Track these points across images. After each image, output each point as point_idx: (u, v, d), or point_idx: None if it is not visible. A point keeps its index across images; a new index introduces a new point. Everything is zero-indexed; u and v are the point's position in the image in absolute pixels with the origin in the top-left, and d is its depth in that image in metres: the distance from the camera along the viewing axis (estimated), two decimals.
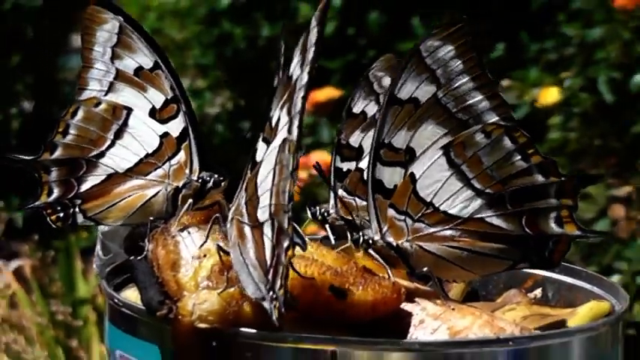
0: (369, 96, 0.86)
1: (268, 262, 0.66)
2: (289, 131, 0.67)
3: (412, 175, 0.75)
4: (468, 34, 0.74)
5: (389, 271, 0.73)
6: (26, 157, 0.83)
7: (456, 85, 0.74)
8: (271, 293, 0.66)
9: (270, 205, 0.67)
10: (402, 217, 0.75)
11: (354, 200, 0.84)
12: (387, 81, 0.86)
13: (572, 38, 2.16)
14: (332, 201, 0.83)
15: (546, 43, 2.29)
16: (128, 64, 0.83)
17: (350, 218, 0.79)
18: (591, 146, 1.80)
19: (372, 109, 0.85)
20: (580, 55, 2.09)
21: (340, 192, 0.83)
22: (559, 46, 2.23)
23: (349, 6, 2.64)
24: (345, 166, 0.84)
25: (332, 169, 0.85)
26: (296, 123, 0.67)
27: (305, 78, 0.67)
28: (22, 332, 2.36)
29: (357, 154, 0.84)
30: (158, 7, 2.96)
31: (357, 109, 0.86)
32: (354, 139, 0.84)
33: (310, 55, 0.68)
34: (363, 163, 0.83)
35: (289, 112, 0.68)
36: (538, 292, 0.79)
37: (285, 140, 0.68)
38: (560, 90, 2.08)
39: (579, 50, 2.10)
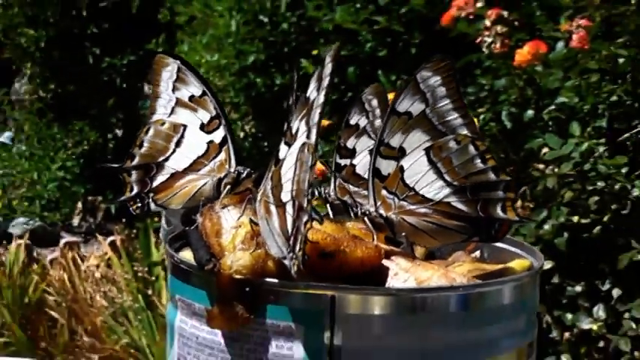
0: (361, 112, 1.02)
1: (289, 231, 0.82)
2: (308, 137, 0.84)
3: (401, 167, 0.92)
4: (451, 69, 0.92)
5: (374, 236, 0.91)
6: (115, 166, 1.03)
7: (440, 105, 0.92)
8: (291, 254, 0.81)
9: (292, 190, 0.83)
10: (391, 197, 0.93)
11: (348, 186, 1.00)
12: (375, 102, 1.03)
13: (485, 85, 2.61)
14: (332, 186, 1.00)
15: (468, 88, 2.66)
16: (184, 93, 1.03)
17: (345, 199, 0.95)
18: (498, 159, 2.10)
19: (363, 121, 1.02)
20: (490, 97, 2.48)
21: (338, 180, 0.99)
22: (477, 91, 2.61)
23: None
24: (343, 162, 1.00)
25: (333, 163, 1.01)
26: (314, 131, 0.84)
27: (321, 99, 0.84)
28: (115, 285, 2.87)
29: (351, 153, 1.00)
30: (206, 64, 3.30)
31: (352, 121, 1.02)
32: (350, 143, 1.01)
33: (325, 82, 0.84)
34: (356, 160, 1.00)
35: (307, 123, 0.84)
36: (477, 253, 0.95)
37: (304, 144, 0.84)
38: (477, 120, 2.42)
39: (489, 94, 2.50)
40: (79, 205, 3.55)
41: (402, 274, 0.88)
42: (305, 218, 0.82)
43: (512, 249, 0.98)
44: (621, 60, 2.27)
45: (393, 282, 0.88)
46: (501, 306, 0.88)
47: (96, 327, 2.93)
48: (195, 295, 0.88)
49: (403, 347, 0.83)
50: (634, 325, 2.22)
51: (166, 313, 0.94)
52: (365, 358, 0.83)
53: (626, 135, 2.24)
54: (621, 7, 2.35)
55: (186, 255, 0.92)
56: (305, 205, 0.82)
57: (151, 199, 1.05)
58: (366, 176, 0.96)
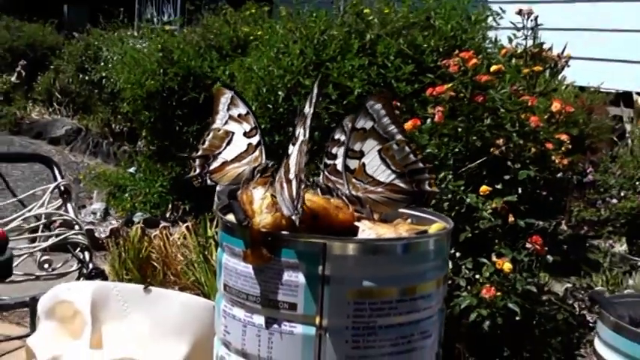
0: (342, 132, 0.89)
1: (294, 196, 0.70)
2: (304, 136, 0.72)
3: (363, 163, 0.80)
4: (388, 98, 0.81)
5: (350, 207, 0.76)
6: (186, 155, 0.89)
7: (382, 121, 0.80)
8: (295, 211, 0.70)
9: (296, 170, 0.71)
10: (359, 182, 0.80)
11: (332, 176, 0.86)
12: (350, 125, 0.89)
13: None
14: (321, 177, 0.86)
15: None
16: (235, 112, 0.90)
17: (329, 185, 0.83)
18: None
19: (342, 137, 0.88)
20: None
21: (325, 173, 0.86)
22: None
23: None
24: (329, 162, 0.86)
25: (323, 163, 0.87)
26: (307, 132, 0.72)
27: (311, 111, 0.73)
28: (187, 248, 2.70)
29: (334, 157, 0.86)
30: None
31: (336, 137, 0.88)
32: (334, 150, 0.87)
33: (313, 100, 0.72)
34: (337, 161, 0.86)
35: (303, 127, 0.72)
36: (410, 220, 0.82)
37: (302, 141, 0.72)
38: None
39: None
40: (170, 206, 3.38)
41: (367, 230, 0.76)
42: (303, 186, 0.73)
43: (432, 217, 0.83)
44: (459, 129, 2.10)
45: (362, 235, 0.76)
46: (428, 251, 0.76)
47: (177, 271, 2.86)
48: (236, 242, 0.76)
49: (367, 275, 0.72)
50: (467, 272, 2.02)
51: (217, 255, 0.79)
52: (344, 282, 0.72)
53: (463, 169, 2.06)
54: (457, 102, 2.18)
55: (231, 217, 0.79)
56: (303, 178, 0.74)
57: (207, 177, 0.90)
58: (369, 172, 0.83)
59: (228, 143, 0.89)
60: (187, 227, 2.89)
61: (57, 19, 6.51)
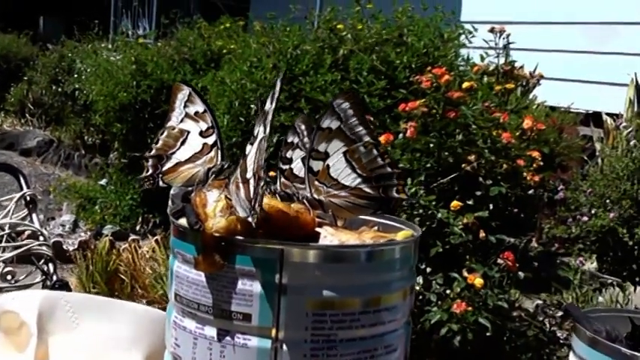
0: (294, 134, 0.83)
1: (251, 196, 0.64)
2: (264, 132, 0.66)
3: (328, 165, 0.73)
4: (356, 97, 0.74)
5: (311, 211, 0.70)
6: (139, 154, 0.83)
7: (350, 122, 0.72)
8: (252, 212, 0.64)
9: (254, 168, 0.66)
10: (322, 185, 0.73)
11: (289, 182, 0.80)
12: (303, 127, 0.83)
13: None
14: (279, 183, 0.79)
15: None
16: (191, 109, 0.83)
17: (287, 191, 0.76)
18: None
19: (295, 140, 0.82)
20: None
21: (282, 179, 0.80)
22: None
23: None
24: (284, 166, 0.80)
25: (278, 168, 0.81)
26: (268, 127, 0.66)
27: (273, 106, 0.67)
28: (156, 261, 2.66)
29: (290, 161, 0.80)
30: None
31: (290, 140, 0.82)
32: (288, 155, 0.81)
33: (276, 95, 0.67)
34: (293, 165, 0.80)
35: (263, 124, 0.66)
36: (376, 227, 0.75)
37: (262, 137, 0.66)
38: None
39: None
40: (139, 219, 3.31)
41: (329, 236, 0.69)
42: (262, 183, 0.66)
43: (398, 225, 0.76)
44: (431, 145, 2.07)
45: (323, 242, 0.69)
46: (394, 259, 0.69)
47: (145, 284, 2.82)
48: (187, 248, 0.69)
49: (328, 284, 0.65)
50: (438, 287, 1.99)
51: (169, 262, 0.72)
52: (302, 292, 0.65)
53: (435, 184, 2.03)
54: (429, 118, 2.15)
55: (183, 222, 0.71)
56: (262, 175, 0.66)
57: (160, 178, 0.83)
58: (333, 175, 0.75)
59: (183, 143, 0.82)
60: (156, 240, 2.83)
61: (32, 31, 6.41)
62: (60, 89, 4.84)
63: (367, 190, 0.72)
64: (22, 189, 1.97)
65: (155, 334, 0.84)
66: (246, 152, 0.67)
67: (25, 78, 5.39)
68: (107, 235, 3.00)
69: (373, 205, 0.72)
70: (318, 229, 0.68)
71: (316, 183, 0.72)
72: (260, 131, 0.66)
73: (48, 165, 4.67)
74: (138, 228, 3.31)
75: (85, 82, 3.99)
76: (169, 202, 0.76)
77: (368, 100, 2.39)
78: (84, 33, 5.07)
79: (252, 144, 0.67)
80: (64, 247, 3.20)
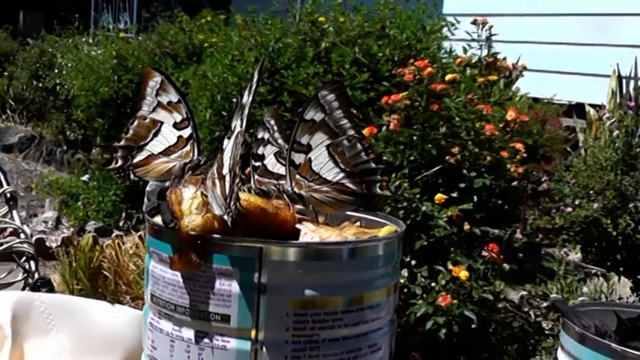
0: (264, 129, 0.80)
1: (227, 193, 0.62)
2: (241, 126, 0.63)
3: (310, 158, 0.71)
4: (342, 88, 0.71)
5: (291, 207, 0.67)
6: (107, 144, 0.78)
7: (334, 114, 0.70)
8: (228, 210, 0.62)
9: (230, 164, 0.63)
10: (303, 179, 0.71)
11: (263, 178, 0.77)
12: (272, 122, 0.81)
13: None
14: (252, 182, 0.76)
15: None
16: (164, 99, 0.78)
17: (263, 188, 0.74)
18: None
19: (266, 136, 0.80)
20: None
21: (256, 177, 0.77)
22: None
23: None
24: (257, 163, 0.78)
25: (251, 166, 0.78)
26: (244, 121, 0.64)
27: (250, 98, 0.65)
28: (140, 257, 2.59)
29: (262, 157, 0.78)
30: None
31: (260, 136, 0.80)
32: (260, 151, 0.79)
33: (253, 87, 0.64)
34: (266, 161, 0.78)
35: (240, 117, 0.64)
36: (358, 223, 0.73)
37: (238, 132, 0.63)
38: None
39: None
40: (123, 214, 3.27)
41: (310, 233, 0.67)
42: (237, 180, 0.63)
43: (381, 220, 0.74)
44: (415, 137, 2.05)
45: (304, 239, 0.67)
46: (377, 256, 0.66)
47: (129, 281, 2.80)
48: (162, 247, 0.67)
49: (309, 283, 0.63)
50: (423, 280, 1.96)
51: (145, 262, 0.69)
52: (283, 291, 0.63)
53: (419, 177, 2.01)
54: (412, 110, 2.13)
55: (158, 220, 0.69)
56: (238, 171, 0.64)
57: (131, 171, 0.79)
58: (315, 169, 0.72)
59: (155, 134, 0.77)
60: (140, 236, 2.79)
61: (12, 26, 6.31)
62: (41, 84, 4.77)
63: (350, 185, 0.69)
64: (1, 186, 1.93)
65: (133, 335, 0.81)
66: (223, 147, 0.64)
67: (6, 73, 5.30)
68: (90, 232, 2.96)
69: (356, 202, 0.70)
70: (298, 226, 0.65)
71: (297, 177, 0.70)
72: (237, 125, 0.63)
73: (30, 161, 4.60)
74: (121, 224, 3.27)
75: (66, 77, 3.93)
76: (145, 199, 0.73)
77: (351, 93, 2.36)
78: (64, 28, 5.00)
79: (229, 138, 0.64)
80: (47, 243, 3.16)
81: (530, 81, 2.55)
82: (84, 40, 4.50)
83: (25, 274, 1.77)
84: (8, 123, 5.07)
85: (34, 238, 3.20)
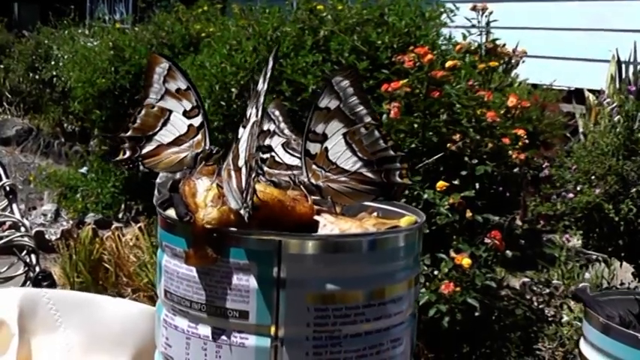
0: (269, 121, 0.77)
1: (243, 187, 0.59)
2: (256, 115, 0.60)
3: (326, 148, 0.67)
4: (357, 74, 0.68)
5: (309, 198, 0.65)
6: (112, 135, 0.74)
7: (350, 101, 0.66)
8: (245, 204, 0.58)
9: (246, 155, 0.60)
10: (320, 170, 0.67)
11: (274, 171, 0.74)
12: (277, 113, 0.78)
13: None
14: (262, 172, 0.73)
15: None
16: (172, 86, 0.74)
17: (274, 179, 0.70)
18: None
19: (272, 127, 0.77)
20: None
21: (265, 169, 0.73)
22: None
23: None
24: (265, 155, 0.74)
25: (260, 159, 0.75)
26: (260, 110, 0.61)
27: (265, 86, 0.61)
28: (140, 249, 2.59)
29: (269, 149, 0.75)
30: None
31: (265, 128, 0.76)
32: (266, 142, 0.75)
33: (268, 74, 0.61)
34: (274, 152, 0.74)
35: (255, 106, 0.60)
36: (375, 213, 0.69)
37: (254, 122, 0.60)
38: None
39: None
40: (122, 206, 3.24)
41: (329, 225, 0.63)
42: (254, 175, 0.59)
43: (399, 210, 0.71)
44: (416, 125, 2.02)
45: (323, 231, 0.63)
46: (398, 248, 0.63)
47: (130, 272, 2.75)
48: (176, 241, 0.63)
49: (329, 277, 0.59)
50: (425, 268, 1.92)
51: (157, 256, 0.66)
52: (303, 286, 0.59)
53: (420, 165, 1.99)
54: (412, 98, 2.10)
55: (171, 213, 0.65)
56: (254, 165, 0.60)
57: (140, 162, 0.74)
58: (332, 159, 0.68)
59: (165, 123, 0.73)
60: (140, 228, 2.77)
61: (7, 18, 6.25)
62: (37, 77, 4.72)
63: (368, 174, 0.66)
64: (0, 179, 1.90)
65: (144, 331, 0.78)
66: (239, 136, 0.61)
67: (2, 66, 5.25)
68: (90, 224, 2.94)
69: (375, 191, 0.66)
70: (316, 218, 0.62)
71: (314, 167, 0.66)
72: (252, 114, 0.60)
73: (28, 154, 4.56)
74: (121, 215, 3.24)
75: (62, 69, 3.89)
76: (155, 192, 0.69)
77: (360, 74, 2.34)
78: (60, 19, 4.95)
79: (244, 127, 0.61)
80: (47, 236, 3.13)
81: (530, 67, 2.52)
82: (80, 31, 4.45)
83: (26, 268, 1.75)
84: (5, 116, 5.02)
85: (33, 231, 3.17)
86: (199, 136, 0.73)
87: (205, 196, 0.61)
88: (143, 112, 0.73)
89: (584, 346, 0.72)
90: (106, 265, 2.74)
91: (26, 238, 1.80)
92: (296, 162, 0.71)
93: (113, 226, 2.93)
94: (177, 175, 0.71)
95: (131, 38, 3.29)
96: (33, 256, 1.80)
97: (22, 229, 1.81)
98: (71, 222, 3.20)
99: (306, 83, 2.40)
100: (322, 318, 0.58)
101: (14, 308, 0.78)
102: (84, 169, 3.53)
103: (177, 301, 0.62)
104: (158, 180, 0.71)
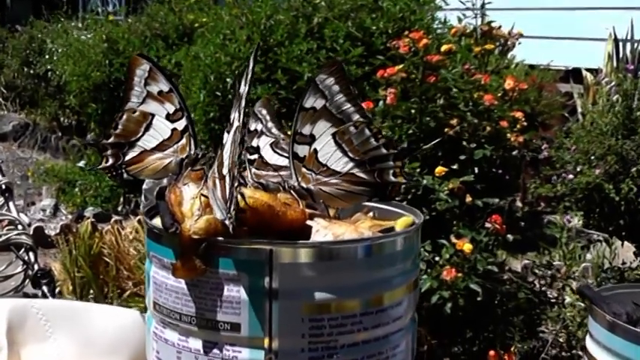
0: (256, 120, 0.74)
1: (227, 197, 0.56)
2: (238, 120, 0.57)
3: (315, 149, 0.64)
4: (341, 69, 0.63)
5: (300, 202, 0.61)
6: (93, 142, 0.71)
7: (336, 99, 0.63)
8: (228, 215, 0.55)
9: (229, 163, 0.57)
10: (310, 172, 0.64)
11: (262, 172, 0.70)
12: (264, 112, 0.74)
13: None
14: (250, 175, 0.69)
15: None
16: (154, 88, 0.70)
17: (261, 181, 0.66)
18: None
19: (259, 127, 0.73)
20: None
21: (253, 170, 0.70)
22: None
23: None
24: (252, 157, 0.71)
25: (246, 160, 0.71)
26: (242, 114, 0.57)
27: (246, 89, 0.58)
28: (140, 242, 2.55)
29: (257, 150, 0.71)
30: None
31: (252, 128, 0.73)
32: (254, 143, 0.72)
33: (249, 75, 0.58)
34: (262, 153, 0.71)
35: (237, 110, 0.57)
36: (371, 214, 0.66)
37: (236, 127, 0.57)
38: None
39: None
40: (121, 199, 3.22)
41: (322, 230, 0.60)
42: (236, 184, 0.56)
43: (396, 209, 0.68)
44: (413, 111, 2.00)
45: (316, 237, 0.59)
46: (395, 252, 0.60)
47: (130, 266, 2.73)
48: (164, 252, 0.60)
49: (324, 286, 0.56)
50: (427, 254, 1.92)
51: (145, 265, 0.63)
52: (297, 296, 0.56)
53: (418, 151, 1.96)
54: (409, 83, 2.07)
55: (158, 222, 0.62)
56: (236, 174, 0.57)
57: (123, 170, 0.71)
58: (322, 160, 0.65)
59: (147, 128, 0.69)
60: (139, 220, 2.74)
61: None
62: (32, 71, 4.67)
63: (361, 174, 0.62)
64: None
65: (138, 339, 0.75)
66: (224, 142, 0.58)
67: None
68: (89, 218, 2.91)
69: (368, 192, 0.63)
70: (309, 223, 0.59)
71: (303, 170, 0.63)
72: (235, 118, 0.57)
73: (25, 149, 4.52)
74: (120, 208, 3.22)
75: (56, 62, 3.85)
76: (142, 198, 0.66)
77: (345, 68, 2.31)
78: (52, 12, 4.89)
79: (228, 132, 0.58)
80: (46, 232, 3.10)
81: (526, 48, 2.49)
82: (73, 24, 4.40)
83: (25, 266, 1.72)
84: (1, 111, 4.98)
85: (32, 227, 3.15)
86: (184, 140, 0.69)
87: (192, 205, 0.58)
88: (125, 117, 0.70)
89: (590, 344, 0.69)
90: (106, 260, 2.71)
91: (24, 236, 1.77)
92: (285, 162, 0.67)
93: (112, 220, 2.90)
94: (165, 181, 0.68)
95: (124, 30, 3.25)
96: (31, 254, 1.77)
97: (20, 227, 1.79)
98: (70, 217, 3.17)
99: (301, 71, 2.36)
100: (317, 328, 0.55)
101: (2, 321, 0.75)
102: (81, 163, 3.50)
103: (166, 313, 0.59)
104: (144, 186, 0.68)
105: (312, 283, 0.56)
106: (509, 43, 2.40)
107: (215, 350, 0.57)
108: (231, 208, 0.54)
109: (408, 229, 0.61)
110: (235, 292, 0.56)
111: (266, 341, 0.56)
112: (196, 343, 0.58)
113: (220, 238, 0.56)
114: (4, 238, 1.73)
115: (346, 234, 0.58)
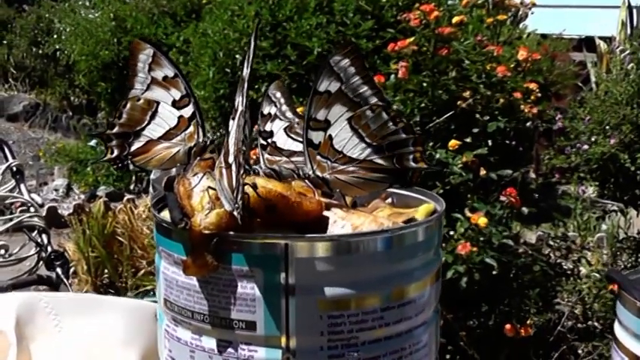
0: (270, 103, 0.70)
1: (234, 186, 0.52)
2: (242, 104, 0.54)
3: (330, 135, 0.59)
4: (356, 51, 0.59)
5: (315, 192, 0.57)
6: (98, 132, 0.67)
7: (352, 82, 0.58)
8: (235, 205, 0.51)
9: (234, 151, 0.53)
10: (325, 160, 0.60)
11: (275, 158, 0.67)
12: (278, 94, 0.70)
13: None
14: (262, 160, 0.66)
15: None
16: (158, 74, 0.66)
17: (274, 167, 0.62)
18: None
19: (273, 110, 0.69)
20: None
21: (266, 156, 0.67)
22: None
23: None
24: (264, 142, 0.68)
25: (259, 145, 0.68)
26: (244, 98, 0.54)
27: (247, 72, 0.55)
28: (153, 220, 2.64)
29: (270, 134, 0.68)
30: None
31: (265, 111, 0.69)
32: (267, 127, 0.68)
33: (250, 57, 0.55)
34: (275, 138, 0.67)
35: (242, 96, 0.54)
36: (389, 200, 0.63)
37: (240, 112, 0.54)
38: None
39: None
40: (133, 177, 3.19)
41: (340, 221, 0.55)
42: (242, 171, 0.53)
43: (416, 195, 0.64)
44: (424, 84, 1.95)
45: (333, 228, 0.55)
46: (417, 243, 0.56)
47: (144, 245, 2.68)
48: (174, 248, 0.56)
49: (342, 281, 0.53)
50: None
51: (155, 260, 0.59)
52: (314, 292, 0.52)
53: (431, 124, 1.92)
54: (420, 56, 2.01)
55: (167, 215, 0.58)
56: (242, 161, 0.53)
57: (129, 161, 0.67)
58: (338, 147, 0.60)
59: (153, 116, 0.65)
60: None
61: None
62: (41, 51, 4.63)
63: (379, 161, 0.58)
64: (7, 160, 1.84)
65: (151, 331, 0.73)
66: (229, 129, 0.54)
67: (5, 42, 5.15)
68: (101, 197, 2.89)
69: (387, 179, 0.59)
70: (326, 213, 0.55)
71: (318, 158, 0.59)
72: (239, 103, 0.53)
73: (36, 129, 4.49)
74: (132, 187, 3.20)
75: (65, 42, 3.80)
76: (150, 189, 0.63)
77: (355, 42, 2.26)
78: None
79: (233, 119, 0.54)
80: (59, 212, 3.09)
81: (538, 17, 2.43)
82: (80, 3, 4.34)
83: (38, 248, 1.70)
84: (11, 92, 4.94)
85: (45, 207, 3.13)
86: (191, 128, 0.65)
87: (202, 198, 0.54)
88: (129, 105, 0.66)
89: (618, 330, 0.66)
90: (120, 239, 2.69)
91: (36, 218, 1.75)
92: (300, 147, 0.63)
93: (125, 199, 2.88)
94: (173, 171, 0.64)
95: (132, 8, 3.20)
96: (44, 236, 1.75)
97: (32, 209, 1.76)
98: (83, 196, 3.15)
99: (310, 46, 2.32)
100: (337, 325, 0.52)
101: (11, 317, 0.72)
102: (93, 142, 3.47)
103: (178, 311, 0.56)
104: (152, 176, 0.64)
105: (330, 278, 0.52)
106: (521, 12, 2.34)
107: (230, 349, 0.53)
108: (238, 198, 0.50)
109: (430, 219, 0.57)
110: (250, 288, 0.52)
111: (283, 340, 0.52)
112: (210, 342, 0.54)
113: (232, 232, 0.52)
114: (16, 220, 1.71)
115: (365, 225, 0.54)
